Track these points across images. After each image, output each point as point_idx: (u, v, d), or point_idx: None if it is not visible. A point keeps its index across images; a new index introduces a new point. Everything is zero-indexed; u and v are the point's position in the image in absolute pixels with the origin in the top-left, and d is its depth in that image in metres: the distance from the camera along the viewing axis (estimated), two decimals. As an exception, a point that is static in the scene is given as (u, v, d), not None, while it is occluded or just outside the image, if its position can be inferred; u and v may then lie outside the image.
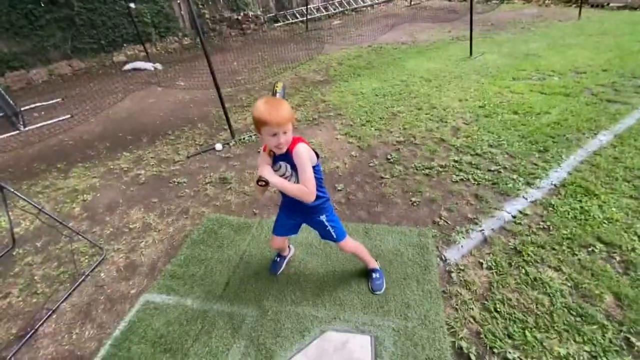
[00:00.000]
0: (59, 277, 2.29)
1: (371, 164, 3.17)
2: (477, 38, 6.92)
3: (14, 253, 2.55)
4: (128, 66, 7.37)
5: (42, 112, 5.45)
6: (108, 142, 4.20)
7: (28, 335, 1.91)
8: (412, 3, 11.68)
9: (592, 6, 8.72)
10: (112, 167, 3.61)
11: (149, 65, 7.23)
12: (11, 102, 5.07)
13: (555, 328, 1.68)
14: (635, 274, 1.90)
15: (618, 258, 2.02)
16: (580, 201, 2.45)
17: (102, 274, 2.28)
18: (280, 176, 1.53)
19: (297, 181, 1.52)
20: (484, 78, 4.88)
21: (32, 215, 2.90)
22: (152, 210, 2.87)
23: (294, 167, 1.51)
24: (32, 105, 5.69)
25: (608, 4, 8.49)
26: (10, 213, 2.50)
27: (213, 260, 2.27)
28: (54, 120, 5.05)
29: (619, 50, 5.45)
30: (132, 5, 7.68)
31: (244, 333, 1.78)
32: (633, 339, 1.60)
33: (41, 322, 1.98)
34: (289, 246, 2.21)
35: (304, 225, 1.89)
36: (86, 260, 2.41)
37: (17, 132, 4.74)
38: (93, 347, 1.83)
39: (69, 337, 1.90)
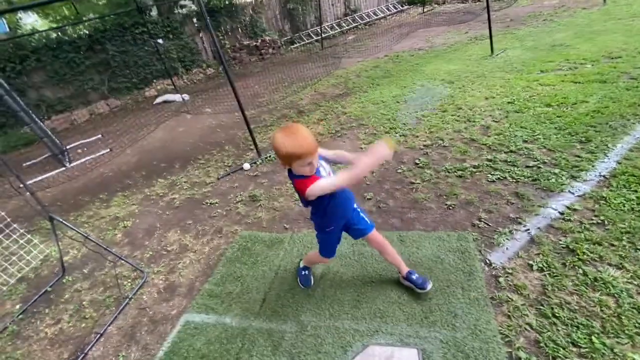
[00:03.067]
0: (105, 302, 2.38)
1: (399, 171, 3.10)
2: (497, 35, 6.75)
3: (64, 280, 2.69)
4: (159, 99, 7.86)
5: (85, 149, 5.89)
6: (144, 171, 4.43)
7: (79, 358, 1.98)
8: (425, 10, 11.68)
9: (618, -11, 8.27)
10: (148, 193, 3.78)
11: (177, 97, 7.66)
12: (57, 141, 5.52)
13: (626, 332, 1.50)
14: None
15: (691, 250, 1.80)
16: (636, 191, 2.24)
17: (144, 297, 2.35)
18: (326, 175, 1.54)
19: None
20: (510, 74, 4.71)
21: (79, 244, 3.09)
22: (187, 231, 2.95)
23: (327, 161, 1.60)
24: (76, 143, 6.17)
25: (637, -15, 8.01)
26: (59, 243, 2.66)
27: (248, 277, 2.27)
28: (95, 155, 5.42)
29: (657, 30, 5.09)
30: (160, 41, 8.27)
31: (284, 350, 1.74)
32: None
33: (90, 346, 2.05)
34: None
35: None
36: (129, 284, 2.49)
37: (64, 168, 5.13)
38: (139, 369, 1.86)
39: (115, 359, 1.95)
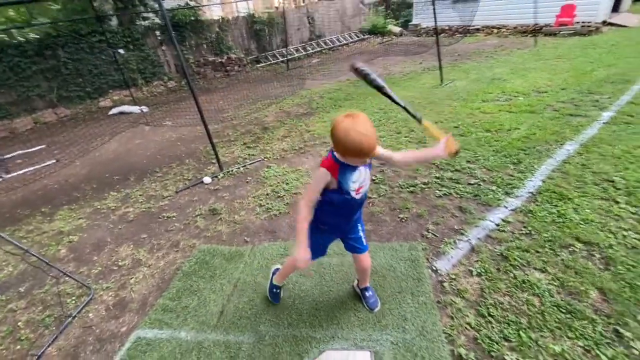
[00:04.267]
0: (45, 321, 2.20)
1: (358, 186, 3.27)
2: (447, 67, 7.45)
3: (-5, 301, 2.44)
4: (115, 110, 7.51)
5: (26, 159, 5.42)
6: (94, 183, 4.19)
7: (10, 385, 1.80)
8: (384, 40, 12.56)
9: (545, 35, 9.60)
10: (99, 207, 3.58)
11: (135, 109, 7.38)
12: (-6, 151, 5.04)
13: (548, 326, 1.72)
14: (616, 269, 1.99)
15: (598, 255, 2.12)
16: (556, 206, 2.59)
17: (90, 314, 2.21)
18: (360, 186, 1.49)
19: (368, 185, 1.55)
20: (456, 102, 5.22)
21: (15, 261, 2.83)
22: (141, 246, 2.84)
23: (369, 166, 1.52)
24: (15, 153, 5.66)
25: (560, 32, 9.38)
26: (-7, 258, 2.43)
27: (206, 290, 2.24)
28: (38, 166, 5.02)
29: (574, 71, 5.97)
30: (121, 51, 8.00)
31: (241, 360, 1.74)
32: (622, 330, 1.66)
33: (25, 370, 1.88)
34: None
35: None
36: (73, 302, 2.33)
37: (0, 179, 4.68)
38: (82, 391, 1.73)
39: (55, 383, 1.80)
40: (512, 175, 3.08)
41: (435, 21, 6.07)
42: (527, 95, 5.11)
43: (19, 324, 2.21)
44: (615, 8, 10.23)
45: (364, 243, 1.77)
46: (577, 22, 9.19)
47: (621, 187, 2.71)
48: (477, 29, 11.34)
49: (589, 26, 8.91)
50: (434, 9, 5.87)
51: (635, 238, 2.20)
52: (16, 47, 7.11)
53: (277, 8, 11.76)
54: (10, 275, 2.71)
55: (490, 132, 4.00)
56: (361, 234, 1.76)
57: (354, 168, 1.43)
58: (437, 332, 1.74)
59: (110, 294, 2.36)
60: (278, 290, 2.06)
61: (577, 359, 1.56)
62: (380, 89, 1.65)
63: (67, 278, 2.50)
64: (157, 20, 9.46)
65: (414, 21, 13.33)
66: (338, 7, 13.09)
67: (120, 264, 2.65)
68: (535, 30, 8.80)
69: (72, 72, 7.84)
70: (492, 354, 1.64)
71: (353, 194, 1.49)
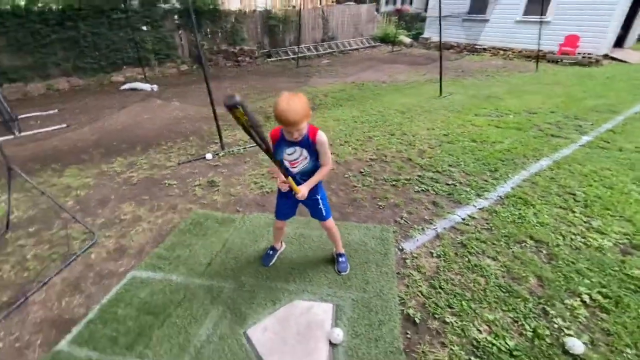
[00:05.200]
0: (51, 257, 2.47)
1: (346, 176, 3.56)
2: (448, 81, 7.77)
3: (7, 236, 2.70)
4: (126, 86, 7.78)
5: (38, 121, 5.68)
6: (102, 149, 4.45)
7: (19, 302, 2.07)
8: (394, 49, 12.90)
9: (548, 61, 9.95)
10: (105, 169, 3.85)
11: (146, 86, 7.66)
12: (8, 109, 5.29)
13: (487, 300, 2.01)
14: (557, 263, 2.29)
15: (545, 251, 2.41)
16: (519, 209, 2.89)
17: (92, 255, 2.48)
18: (293, 160, 1.79)
19: (311, 163, 1.80)
20: (450, 113, 5.52)
21: (26, 206, 3.10)
22: (142, 205, 3.11)
23: (310, 151, 1.75)
24: (29, 115, 5.92)
25: (562, 60, 9.72)
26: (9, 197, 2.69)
27: (197, 245, 2.52)
28: (49, 128, 5.28)
29: (567, 97, 6.29)
30: (144, 28, 8.35)
31: (222, 301, 2.02)
32: (548, 309, 1.94)
33: (32, 292, 2.14)
34: (281, 242, 2.46)
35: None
36: (78, 244, 2.60)
37: (13, 136, 4.93)
38: (81, 312, 2.00)
39: (58, 304, 2.07)
40: (486, 181, 3.37)
41: (440, 36, 6.39)
42: (518, 114, 5.42)
43: (27, 256, 2.48)
44: (619, 43, 10.59)
45: (323, 213, 2.04)
46: (579, 53, 9.54)
47: (580, 199, 3.01)
48: (484, 49, 11.69)
49: (590, 58, 9.26)
50: (439, 25, 6.18)
51: (580, 241, 2.49)
52: (39, 14, 7.37)
53: (294, 7, 12.07)
54: (20, 218, 2.97)
55: (476, 142, 4.30)
56: (321, 205, 2.03)
57: (290, 143, 1.73)
58: (392, 296, 2.02)
59: (112, 241, 2.63)
60: (272, 252, 2.35)
61: (506, 326, 1.84)
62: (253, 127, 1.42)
63: (73, 224, 2.77)
64: (177, 4, 9.76)
65: (425, 34, 13.69)
66: (353, 12, 13.43)
67: (122, 217, 2.92)
68: (539, 56, 9.13)
69: (90, 45, 8.11)
70: (436, 316, 1.92)
71: (287, 164, 1.82)
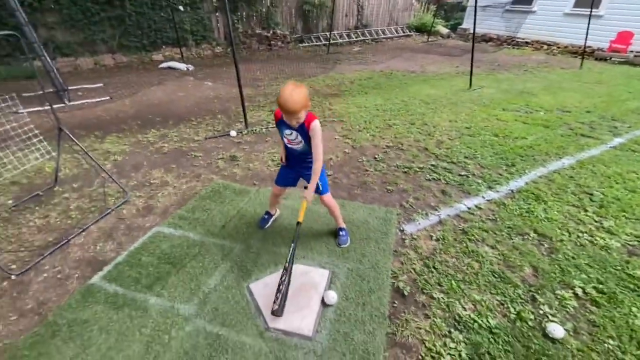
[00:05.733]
0: (90, 209, 2.82)
1: (360, 160, 3.67)
2: (481, 74, 7.53)
3: (55, 190, 3.10)
4: (164, 64, 8.22)
5: (86, 93, 6.20)
6: (139, 120, 4.84)
7: (62, 243, 2.42)
8: (429, 40, 12.52)
9: (596, 59, 9.29)
10: (141, 139, 4.21)
11: (182, 66, 8.06)
12: (60, 80, 5.83)
13: (477, 283, 2.09)
14: (556, 256, 2.31)
15: (546, 245, 2.42)
16: (529, 204, 2.88)
17: (124, 211, 2.80)
18: (291, 140, 2.01)
19: (305, 146, 1.99)
20: (477, 106, 5.40)
21: (71, 165, 3.50)
22: (170, 172, 3.41)
23: (304, 136, 1.94)
24: (77, 87, 6.47)
25: (610, 58, 9.04)
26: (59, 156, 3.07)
27: (215, 210, 2.76)
28: (95, 99, 5.77)
29: (608, 97, 5.93)
30: (181, 8, 8.75)
31: (230, 258, 2.25)
32: (537, 296, 2.00)
33: (73, 236, 2.49)
34: (276, 209, 2.68)
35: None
36: (112, 201, 2.93)
37: (63, 105, 5.46)
38: (112, 256, 2.31)
39: (93, 248, 2.39)
40: (500, 175, 3.36)
41: (474, 27, 6.18)
42: (550, 111, 5.21)
43: (71, 207, 2.85)
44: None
45: (320, 187, 2.17)
46: (632, 51, 8.81)
47: (597, 200, 2.94)
48: (527, 42, 11.07)
49: (643, 56, 8.54)
50: (474, 15, 5.99)
51: (586, 239, 2.47)
52: (90, -7, 7.92)
53: (330, -8, 11.98)
54: (67, 175, 3.37)
55: (497, 137, 4.23)
56: (319, 182, 2.15)
57: (288, 126, 1.92)
58: (386, 269, 2.16)
59: (141, 200, 2.94)
60: (267, 217, 2.57)
61: (491, 307, 1.93)
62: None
63: (110, 183, 3.11)
64: (216, -13, 10.04)
65: (464, 25, 13.13)
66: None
67: (151, 181, 3.24)
68: (585, 53, 8.55)
69: (134, 24, 8.60)
70: (424, 291, 2.03)
71: (285, 141, 2.07)
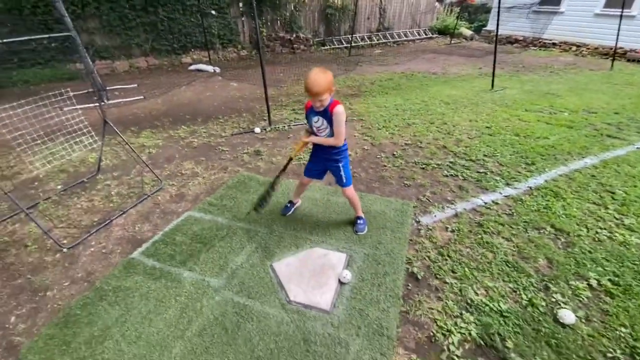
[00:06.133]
0: (129, 195, 3.09)
1: (378, 156, 3.78)
2: (504, 76, 7.45)
3: (97, 178, 3.41)
4: (193, 67, 8.65)
5: (122, 93, 6.65)
6: (171, 117, 5.16)
7: (105, 223, 2.68)
8: (452, 42, 12.42)
9: (628, 60, 8.93)
10: (172, 134, 4.51)
11: (210, 68, 8.45)
12: (99, 81, 6.29)
13: (491, 271, 2.16)
14: (572, 250, 2.34)
15: (563, 239, 2.45)
16: (548, 201, 2.90)
17: (159, 197, 3.05)
18: (318, 127, 2.16)
19: (330, 132, 2.13)
20: (499, 107, 5.38)
21: (112, 156, 3.81)
22: (200, 164, 3.66)
23: (329, 122, 2.07)
24: (115, 87, 6.95)
25: (644, 60, 8.67)
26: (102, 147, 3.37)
27: (241, 199, 2.96)
28: (130, 99, 6.19)
29: (638, 99, 5.73)
30: (213, 12, 9.20)
31: (255, 240, 2.42)
32: (551, 286, 2.05)
33: (115, 217, 2.75)
34: (299, 198, 2.84)
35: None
36: (149, 188, 3.20)
37: (103, 103, 5.90)
38: (149, 235, 2.55)
39: (133, 228, 2.64)
40: (519, 172, 3.38)
41: (497, 27, 6.16)
42: (575, 112, 5.12)
43: (112, 192, 3.13)
44: None
45: (344, 180, 2.33)
46: (669, 52, 8.42)
47: (619, 198, 2.92)
48: (554, 44, 10.78)
49: (681, 57, 8.14)
50: (497, 15, 5.97)
51: (605, 235, 2.48)
52: (127, 0, 8.47)
53: (352, -4, 12.16)
54: (107, 165, 3.68)
55: (519, 137, 4.22)
56: (342, 172, 2.32)
57: (316, 113, 2.09)
58: (401, 256, 2.26)
59: (174, 188, 3.19)
60: (290, 205, 2.73)
61: (503, 293, 2.00)
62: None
63: (146, 173, 3.39)
64: (242, -7, 10.44)
65: (489, 27, 12.94)
66: (412, 2, 13.13)
67: (183, 172, 3.49)
68: (616, 54, 8.25)
69: (166, 29, 9.11)
70: (438, 276, 2.13)
71: (314, 129, 2.20)
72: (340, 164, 2.31)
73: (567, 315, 1.80)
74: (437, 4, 14.09)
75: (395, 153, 3.85)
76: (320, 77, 1.91)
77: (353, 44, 11.05)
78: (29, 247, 2.44)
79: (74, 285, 2.12)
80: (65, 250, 2.41)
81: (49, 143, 3.56)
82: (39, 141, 3.26)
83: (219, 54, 10.03)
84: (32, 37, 2.28)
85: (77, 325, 1.81)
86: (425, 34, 13.44)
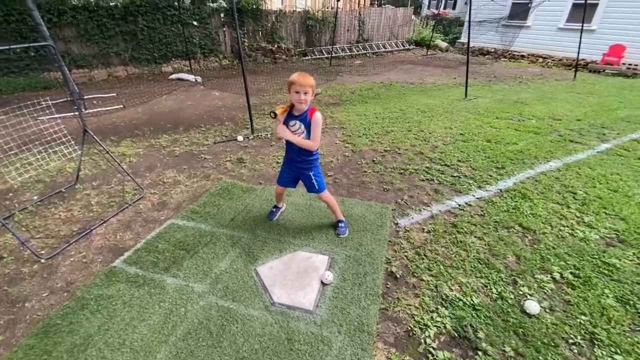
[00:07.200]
0: (109, 204, 3.06)
1: (359, 163, 3.91)
2: (477, 85, 7.84)
3: (76, 187, 3.35)
4: (173, 76, 8.61)
5: (100, 102, 6.54)
6: (152, 126, 5.13)
7: (85, 232, 2.65)
8: (428, 53, 12.93)
9: (590, 71, 9.59)
10: (153, 143, 4.49)
11: (191, 77, 8.44)
12: (77, 90, 6.18)
13: (464, 268, 2.29)
14: (538, 247, 2.51)
15: (529, 237, 2.63)
16: (516, 202, 3.09)
17: (140, 206, 3.04)
18: (294, 131, 2.24)
19: (307, 137, 2.23)
20: (472, 115, 5.67)
21: (90, 165, 3.76)
22: (182, 172, 3.66)
23: (306, 126, 2.19)
24: (93, 95, 6.83)
25: (604, 70, 9.35)
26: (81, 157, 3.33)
27: (224, 205, 3.00)
28: (109, 108, 6.10)
29: (598, 107, 6.18)
30: (195, 23, 9.23)
31: (239, 246, 2.47)
32: (518, 280, 2.20)
33: (95, 226, 2.73)
34: (283, 202, 2.92)
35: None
36: (129, 197, 3.18)
37: (82, 112, 5.78)
38: (131, 244, 2.54)
39: (114, 237, 2.62)
40: (491, 176, 3.58)
41: (469, 40, 6.51)
42: (541, 119, 5.46)
43: (92, 202, 3.09)
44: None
45: (316, 187, 2.44)
46: (624, 64, 9.12)
47: (579, 198, 3.15)
48: (522, 55, 11.43)
49: (635, 69, 8.84)
50: (469, 29, 6.32)
51: (568, 232, 2.68)
52: (106, 9, 8.39)
53: (332, 7, 12.51)
54: (87, 174, 3.63)
55: (490, 142, 4.47)
56: (313, 180, 2.42)
57: (294, 117, 2.19)
58: (380, 256, 2.36)
59: (156, 197, 3.18)
60: (275, 210, 2.79)
61: (475, 288, 2.13)
62: None
63: (127, 182, 3.37)
64: (223, 4, 10.54)
65: (462, 39, 13.57)
66: (390, 15, 13.63)
67: (165, 180, 3.49)
68: (578, 65, 8.86)
69: (146, 38, 9.05)
70: (415, 274, 2.24)
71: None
72: (312, 173, 2.41)
73: (533, 306, 1.94)
74: (413, 16, 14.67)
75: (375, 159, 3.99)
76: (307, 75, 2.07)
77: (334, 55, 11.32)
78: (5, 259, 2.38)
79: (53, 296, 2.09)
80: (43, 260, 2.37)
81: (26, 152, 3.49)
82: (15, 150, 3.19)
83: (200, 64, 10.04)
84: (12, 47, 2.26)
85: (58, 335, 1.79)
86: (403, 46, 13.94)
